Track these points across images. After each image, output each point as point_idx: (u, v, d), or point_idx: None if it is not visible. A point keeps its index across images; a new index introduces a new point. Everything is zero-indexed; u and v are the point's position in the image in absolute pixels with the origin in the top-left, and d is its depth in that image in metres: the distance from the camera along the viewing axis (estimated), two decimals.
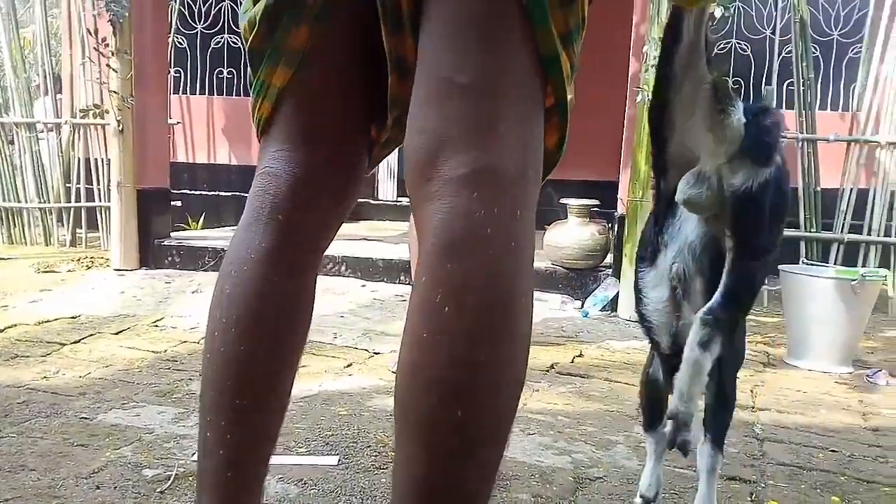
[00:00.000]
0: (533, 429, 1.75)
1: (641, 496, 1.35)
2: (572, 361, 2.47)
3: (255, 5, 0.75)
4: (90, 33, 4.23)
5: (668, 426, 1.09)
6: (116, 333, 2.61)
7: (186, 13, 5.74)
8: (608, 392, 2.12)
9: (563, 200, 3.59)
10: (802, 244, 4.03)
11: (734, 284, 1.09)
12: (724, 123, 1.08)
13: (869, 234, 4.01)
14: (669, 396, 1.32)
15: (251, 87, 0.78)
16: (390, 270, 3.55)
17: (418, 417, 0.62)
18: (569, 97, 0.69)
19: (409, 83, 0.68)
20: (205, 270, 3.74)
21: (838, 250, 4.01)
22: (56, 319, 2.77)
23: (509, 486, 1.41)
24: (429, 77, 0.65)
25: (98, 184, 4.74)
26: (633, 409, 1.95)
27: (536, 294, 3.34)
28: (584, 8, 0.69)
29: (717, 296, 1.09)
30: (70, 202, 4.77)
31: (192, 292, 3.34)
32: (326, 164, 0.77)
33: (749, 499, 1.44)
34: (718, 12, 2.98)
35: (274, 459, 1.46)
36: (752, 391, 2.20)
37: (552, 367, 2.36)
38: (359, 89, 0.77)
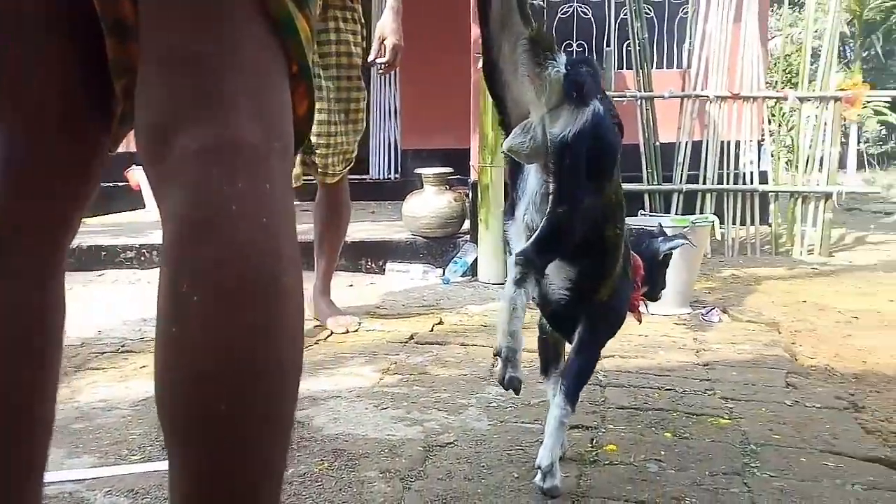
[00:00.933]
0: (386, 403, 1.74)
1: (537, 467, 1.33)
2: (431, 330, 2.48)
3: None
4: None
5: (498, 364, 1.15)
6: None
7: None
8: (464, 357, 2.15)
9: (419, 170, 3.58)
10: (646, 196, 4.28)
11: (546, 229, 1.15)
12: (542, 75, 1.13)
13: (704, 182, 4.33)
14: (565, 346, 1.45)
15: None
16: None
17: (184, 418, 0.57)
18: (310, 61, 0.65)
19: (133, 46, 0.61)
20: None
21: (678, 200, 4.29)
22: None
23: (357, 465, 1.39)
24: (155, 45, 0.59)
25: None
26: (486, 370, 1.99)
27: (399, 266, 3.31)
28: None
29: (532, 238, 1.15)
30: None
31: None
32: (47, 149, 0.67)
33: (590, 444, 1.51)
34: None
35: (100, 472, 1.36)
36: None
37: (411, 338, 2.36)
38: (75, 65, 0.66)
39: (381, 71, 2.35)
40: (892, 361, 2.34)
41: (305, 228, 2.89)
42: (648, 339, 2.34)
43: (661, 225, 1.75)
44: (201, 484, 0.58)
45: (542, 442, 1.50)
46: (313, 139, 2.20)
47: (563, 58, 1.15)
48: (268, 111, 0.60)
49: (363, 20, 2.27)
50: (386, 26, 2.30)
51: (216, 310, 0.55)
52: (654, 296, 1.58)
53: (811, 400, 1.77)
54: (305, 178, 2.30)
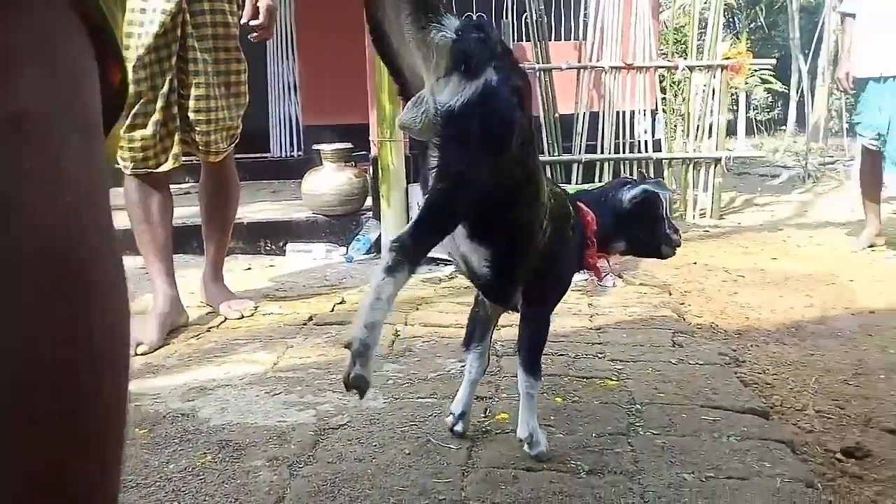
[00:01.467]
0: (279, 389, 1.69)
1: (451, 412, 1.41)
2: (332, 310, 2.43)
3: None
4: None
5: (347, 358, 0.99)
6: None
7: None
8: None
9: (317, 146, 3.49)
10: (548, 167, 4.35)
11: (424, 210, 1.05)
12: (427, 41, 1.03)
13: (602, 152, 4.44)
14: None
15: None
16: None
17: None
18: (118, 33, 0.57)
19: None
20: None
21: (578, 170, 4.39)
22: None
23: (243, 455, 1.34)
24: None
25: None
26: (386, 348, 1.97)
27: (300, 246, 3.20)
28: None
29: (410, 222, 1.06)
30: None
31: None
32: None
33: (483, 415, 1.52)
34: None
35: None
36: None
37: (310, 319, 2.30)
38: None
39: (255, 37, 2.22)
40: (772, 317, 2.49)
41: (192, 212, 2.76)
42: None
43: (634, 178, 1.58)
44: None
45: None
46: (192, 115, 2.08)
47: (451, 21, 1.04)
48: (61, 78, 0.52)
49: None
50: None
51: (9, 313, 0.49)
52: (648, 252, 1.48)
53: (695, 357, 1.85)
54: (186, 157, 2.17)
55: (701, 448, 1.34)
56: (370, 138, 3.45)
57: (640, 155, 4.46)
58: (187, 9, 2.00)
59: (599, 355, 1.87)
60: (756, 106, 12.14)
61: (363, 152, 3.78)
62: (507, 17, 4.52)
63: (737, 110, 8.95)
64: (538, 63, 4.37)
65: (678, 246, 1.47)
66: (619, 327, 2.13)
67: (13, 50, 0.50)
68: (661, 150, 4.62)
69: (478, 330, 1.41)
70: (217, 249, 2.38)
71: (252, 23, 2.17)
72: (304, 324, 2.26)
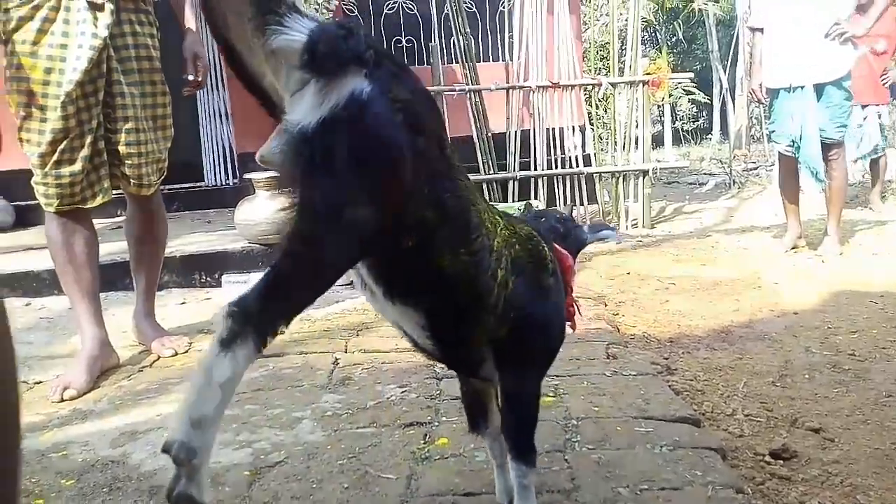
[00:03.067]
0: None
1: None
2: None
3: None
4: None
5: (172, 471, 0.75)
6: None
7: None
8: (302, 366, 2.09)
9: (248, 175, 3.44)
10: (484, 186, 4.41)
11: (275, 265, 0.80)
12: (270, 47, 0.81)
13: (535, 168, 4.53)
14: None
15: None
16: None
17: None
18: None
19: None
20: None
21: (514, 187, 4.46)
22: None
23: None
24: None
25: None
26: (325, 377, 1.95)
27: (236, 277, 3.14)
28: None
29: (259, 279, 0.80)
30: None
31: None
32: None
33: (422, 441, 1.51)
34: None
35: None
36: None
37: None
38: None
39: (188, 91, 2.21)
40: (702, 323, 2.58)
41: (122, 247, 2.68)
42: None
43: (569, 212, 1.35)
44: None
45: (375, 445, 1.50)
46: (122, 149, 2.04)
47: (304, 21, 0.81)
48: None
49: (157, 23, 2.13)
50: (195, 44, 2.19)
51: None
52: None
53: (629, 368, 1.90)
54: (115, 192, 2.12)
55: (635, 460, 1.37)
56: None
57: (571, 170, 4.57)
58: (111, 44, 1.96)
59: None
60: (682, 116, 12.62)
61: None
62: (434, 40, 4.59)
63: (663, 121, 9.28)
64: (468, 84, 4.44)
65: None
66: None
67: None
68: (591, 164, 4.75)
69: (476, 407, 1.18)
70: (148, 285, 2.32)
71: (189, 77, 2.16)
72: None
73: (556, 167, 4.57)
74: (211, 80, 5.34)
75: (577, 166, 4.60)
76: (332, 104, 0.79)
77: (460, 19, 4.41)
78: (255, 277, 2.90)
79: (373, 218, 0.81)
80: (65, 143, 1.94)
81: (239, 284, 3.23)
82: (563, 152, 4.63)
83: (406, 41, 5.40)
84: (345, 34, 0.80)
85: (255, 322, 0.76)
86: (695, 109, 12.87)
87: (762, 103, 3.90)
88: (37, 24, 1.89)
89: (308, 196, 0.80)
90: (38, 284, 3.10)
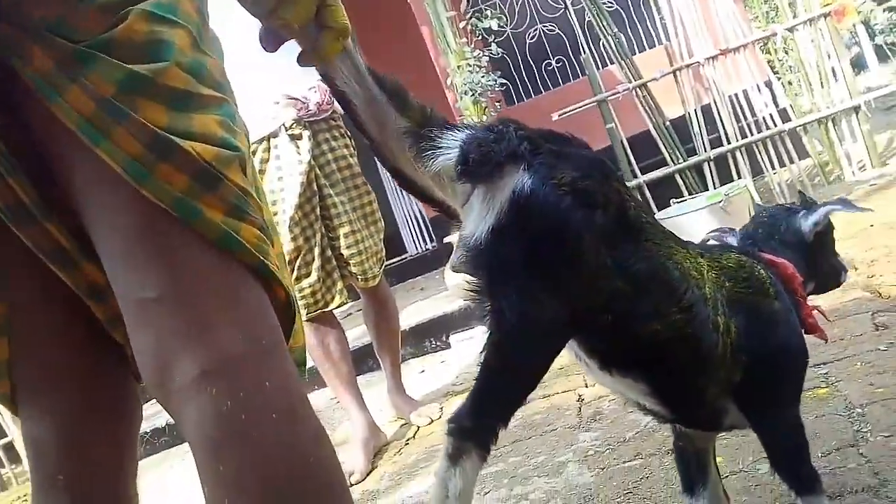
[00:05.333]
0: (487, 486, 1.73)
1: None
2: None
3: None
4: None
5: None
6: None
7: None
8: (549, 409, 2.12)
9: (447, 239, 3.63)
10: (678, 177, 4.20)
11: (480, 378, 0.82)
12: (431, 167, 0.84)
13: (728, 143, 4.23)
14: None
15: None
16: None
17: None
18: (270, 260, 0.69)
19: (112, 301, 0.68)
20: None
21: (711, 169, 4.20)
22: None
23: None
24: (125, 301, 0.66)
25: None
26: (574, 417, 1.96)
27: (463, 335, 3.30)
28: (242, 178, 0.69)
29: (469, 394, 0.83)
30: None
31: None
32: (86, 410, 0.76)
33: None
34: (495, 24, 3.11)
35: None
36: None
37: None
38: (77, 328, 0.75)
39: None
40: None
41: (359, 332, 2.95)
42: None
43: (800, 200, 1.22)
44: None
45: (648, 477, 1.47)
46: (346, 252, 2.28)
47: (455, 134, 0.84)
48: (242, 320, 0.65)
49: (349, 132, 2.37)
50: None
51: None
52: (829, 285, 1.21)
53: None
54: (348, 287, 2.37)
55: None
56: None
57: (769, 132, 4.19)
58: (315, 164, 2.22)
59: None
60: (881, 30, 11.08)
61: None
62: (583, 51, 4.53)
63: (859, 42, 8.22)
64: (630, 81, 4.31)
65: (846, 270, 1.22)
66: None
67: (203, 313, 0.64)
68: (790, 119, 4.33)
69: (693, 466, 1.12)
70: (393, 363, 2.53)
71: None
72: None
73: (752, 134, 4.23)
74: None
75: (775, 125, 4.22)
76: (497, 210, 0.79)
77: (604, 21, 4.32)
78: (480, 331, 3.03)
79: (561, 313, 0.81)
80: (299, 260, 2.21)
81: (467, 341, 3.39)
82: (754, 115, 4.28)
83: (556, 61, 5.41)
84: (495, 136, 0.82)
85: (474, 436, 0.79)
86: (894, 17, 11.24)
87: None
88: (256, 167, 2.18)
89: (495, 306, 0.81)
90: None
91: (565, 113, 4.19)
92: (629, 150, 4.19)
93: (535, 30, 5.37)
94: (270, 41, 0.73)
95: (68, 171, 0.65)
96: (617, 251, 0.84)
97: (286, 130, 2.19)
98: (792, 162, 4.18)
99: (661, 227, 0.94)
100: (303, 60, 0.76)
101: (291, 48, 0.74)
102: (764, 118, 4.26)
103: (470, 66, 3.02)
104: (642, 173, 4.19)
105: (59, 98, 0.61)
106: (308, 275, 2.22)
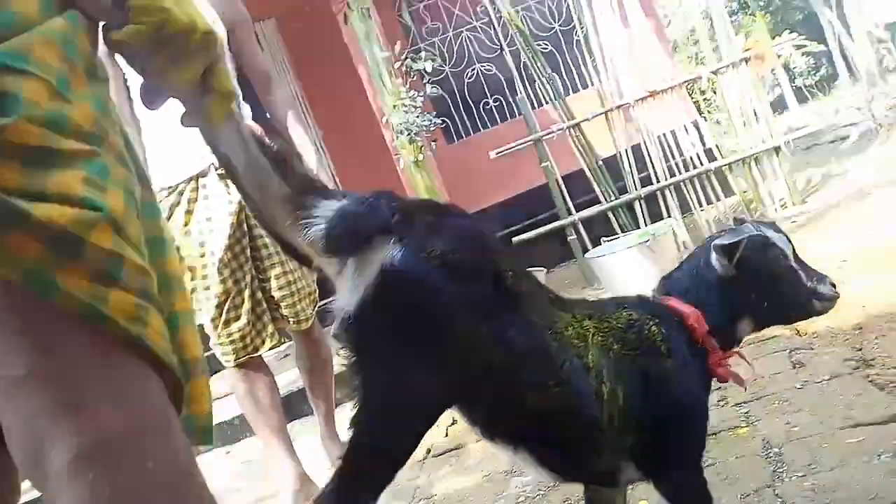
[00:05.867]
0: None
1: None
2: (446, 435, 2.44)
3: None
4: None
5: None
6: None
7: None
8: (482, 455, 2.11)
9: None
10: (610, 215, 4.31)
11: (345, 456, 0.82)
12: (305, 236, 0.82)
13: (658, 181, 4.37)
14: None
15: None
16: None
17: None
18: (150, 328, 0.64)
19: None
20: None
21: (641, 206, 4.32)
22: None
23: None
24: None
25: None
26: (507, 462, 1.95)
27: None
28: (112, 240, 0.62)
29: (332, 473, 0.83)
30: None
31: None
32: None
33: None
34: (429, 66, 3.16)
35: None
36: None
37: (428, 452, 2.32)
38: None
39: None
40: (891, 299, 2.32)
41: (295, 376, 2.88)
42: None
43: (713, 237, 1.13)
44: None
45: None
46: (277, 294, 2.22)
47: (334, 203, 0.82)
48: (117, 397, 0.61)
49: None
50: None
51: None
52: (793, 315, 1.17)
53: (820, 372, 1.75)
54: (280, 330, 2.32)
55: (853, 478, 1.25)
56: None
57: (697, 170, 4.36)
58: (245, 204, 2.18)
59: (722, 402, 1.79)
60: (800, 72, 11.74)
61: None
62: (519, 91, 4.63)
63: (779, 84, 8.68)
64: (563, 121, 4.42)
65: (834, 298, 1.15)
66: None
67: (76, 394, 0.59)
68: (716, 158, 4.51)
69: None
70: (327, 409, 2.47)
71: None
72: (423, 459, 2.27)
73: (681, 172, 4.39)
74: None
75: (701, 164, 4.39)
76: (366, 283, 0.78)
77: (538, 63, 4.44)
78: None
79: (431, 388, 0.79)
80: (228, 303, 2.15)
81: None
82: (682, 155, 4.45)
83: (493, 101, 5.52)
84: (366, 208, 0.81)
85: None
86: (811, 61, 11.95)
87: None
88: (184, 206, 2.13)
89: (361, 382, 0.79)
90: (231, 432, 3.39)
91: (502, 151, 4.27)
92: (564, 188, 4.28)
93: (474, 69, 5.48)
94: (153, 99, 0.71)
95: None
96: (493, 323, 0.82)
97: (215, 170, 2.14)
98: (718, 199, 4.35)
99: (547, 292, 0.93)
100: (187, 121, 0.74)
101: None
102: (692, 157, 4.43)
103: (405, 106, 3.04)
104: (577, 210, 4.28)
105: None
106: (237, 318, 2.16)
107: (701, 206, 4.33)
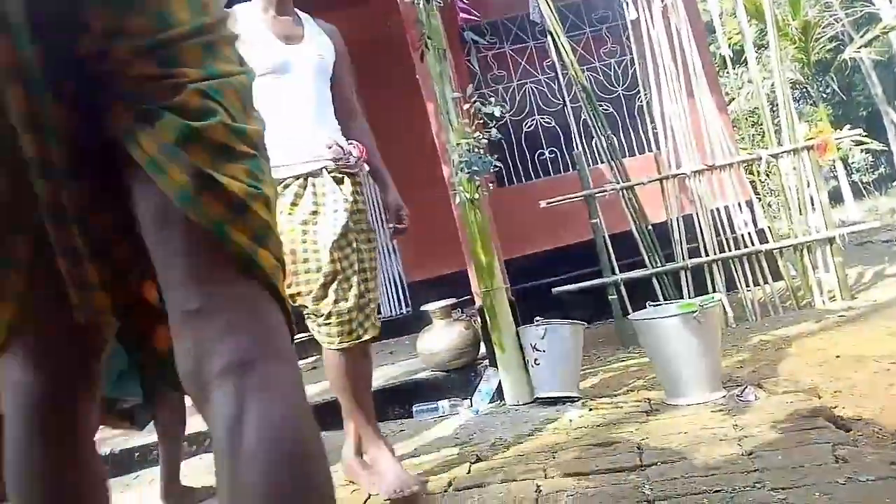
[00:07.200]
0: None
1: None
2: (469, 472, 2.41)
3: None
4: None
5: None
6: None
7: None
8: (505, 495, 2.08)
9: (424, 307, 3.62)
10: (654, 280, 4.28)
11: None
12: None
13: (706, 254, 4.34)
14: None
15: None
16: None
17: None
18: (281, 284, 0.87)
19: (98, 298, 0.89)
20: None
21: (686, 276, 4.29)
22: None
23: None
24: (173, 310, 0.84)
25: None
26: (531, 498, 1.93)
27: (426, 406, 3.24)
28: (265, 213, 0.86)
29: None
30: None
31: None
32: (65, 368, 0.94)
33: None
34: (498, 111, 3.22)
35: None
36: (638, 447, 2.24)
37: (449, 485, 2.29)
38: (67, 313, 0.89)
39: (396, 237, 2.54)
40: None
41: (320, 388, 2.88)
42: (689, 436, 2.27)
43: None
44: None
45: None
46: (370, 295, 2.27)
47: None
48: (260, 331, 0.83)
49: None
50: (398, 199, 2.48)
51: (269, 474, 0.75)
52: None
53: (864, 472, 1.70)
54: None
55: None
56: (472, 289, 3.56)
57: (746, 250, 4.33)
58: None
59: (758, 485, 1.75)
60: (858, 168, 11.61)
61: (466, 297, 3.88)
62: (577, 147, 4.68)
63: (837, 176, 8.60)
64: (619, 182, 4.44)
65: None
66: (772, 448, 1.99)
67: (230, 325, 0.82)
68: (767, 240, 4.48)
69: None
70: (366, 419, 2.48)
71: (398, 226, 2.45)
72: (445, 490, 2.25)
73: (729, 249, 4.36)
74: (378, 220, 5.82)
75: (752, 244, 4.36)
76: None
77: (599, 122, 4.48)
78: (443, 403, 2.96)
79: None
80: (335, 284, 2.18)
81: (430, 412, 3.34)
82: (732, 232, 4.42)
83: (549, 152, 5.58)
84: None
85: None
86: (871, 158, 11.80)
87: None
88: (289, 198, 2.19)
89: None
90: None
91: (553, 202, 4.30)
92: (610, 247, 4.28)
93: (533, 120, 5.56)
94: None
95: (136, 198, 0.84)
96: None
97: (328, 173, 2.24)
98: (766, 282, 4.30)
99: None
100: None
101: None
102: (742, 236, 4.41)
103: (469, 145, 3.09)
104: (620, 271, 4.26)
105: (134, 142, 0.81)
106: (346, 299, 2.20)
107: (747, 285, 4.28)
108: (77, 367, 0.95)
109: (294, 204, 2.19)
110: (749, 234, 4.41)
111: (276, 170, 2.15)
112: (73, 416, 0.95)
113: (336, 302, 2.18)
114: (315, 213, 2.20)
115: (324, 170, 2.24)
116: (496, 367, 3.32)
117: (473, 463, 2.51)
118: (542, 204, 4.29)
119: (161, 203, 0.81)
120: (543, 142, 5.55)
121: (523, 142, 5.51)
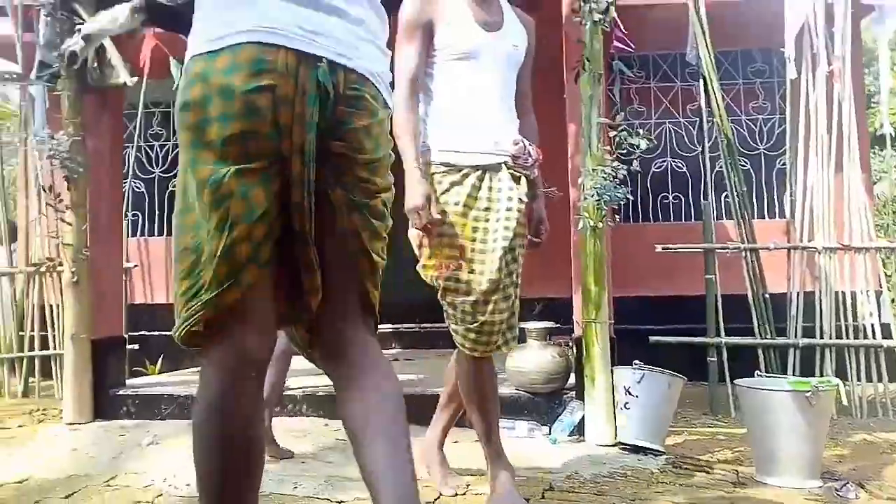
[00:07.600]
0: None
1: None
2: (542, 497, 2.41)
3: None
4: (45, 190, 4.29)
5: None
6: (66, 497, 2.48)
7: (144, 159, 5.90)
8: None
9: (523, 324, 3.62)
10: (760, 352, 4.09)
11: None
12: None
13: (821, 337, 4.10)
14: None
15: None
16: None
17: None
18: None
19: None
20: (161, 419, 3.62)
21: (795, 355, 4.07)
22: (0, 486, 2.63)
23: None
24: (333, 287, 1.31)
25: (53, 330, 4.64)
26: None
27: (504, 422, 3.25)
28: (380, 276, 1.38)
29: None
30: (23, 351, 4.65)
31: (148, 444, 3.21)
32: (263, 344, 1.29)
33: None
34: (644, 144, 3.17)
35: None
36: None
37: None
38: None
39: (527, 249, 2.38)
40: None
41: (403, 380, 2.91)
42: None
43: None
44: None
45: None
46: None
47: None
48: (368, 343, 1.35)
49: None
50: (542, 211, 2.41)
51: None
52: None
53: None
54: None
55: None
56: (574, 318, 3.53)
57: (867, 342, 4.06)
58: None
59: None
60: None
61: (559, 326, 3.84)
62: (707, 198, 4.54)
63: None
64: (743, 242, 4.28)
65: None
66: None
67: (352, 328, 1.35)
68: (890, 337, 4.18)
69: None
70: (450, 419, 2.51)
71: (534, 239, 2.37)
72: None
73: (848, 336, 4.11)
74: None
75: (874, 337, 4.09)
76: None
77: (736, 177, 4.33)
78: (521, 424, 2.94)
79: None
80: (497, 294, 2.14)
81: (506, 429, 3.33)
82: (854, 319, 4.17)
83: (673, 197, 5.45)
84: None
85: None
86: None
87: None
88: (466, 189, 2.17)
89: None
90: (333, 406, 3.50)
91: (670, 249, 4.20)
92: (720, 307, 4.13)
93: (664, 161, 5.45)
94: None
95: (326, 231, 1.28)
96: None
97: (507, 169, 2.22)
98: (880, 379, 4.03)
99: None
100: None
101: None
102: (864, 326, 4.14)
103: (605, 173, 3.07)
104: (727, 334, 4.10)
105: (344, 216, 1.29)
106: (501, 312, 2.15)
107: (859, 379, 4.03)
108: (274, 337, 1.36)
109: (471, 196, 2.16)
110: (872, 325, 4.14)
111: (456, 154, 2.19)
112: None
113: (493, 313, 2.13)
114: (488, 209, 2.16)
115: (503, 165, 2.21)
116: (582, 400, 3.28)
117: (547, 490, 2.50)
118: (658, 248, 4.20)
119: (348, 209, 1.29)
120: (670, 185, 5.43)
121: (649, 181, 5.41)
